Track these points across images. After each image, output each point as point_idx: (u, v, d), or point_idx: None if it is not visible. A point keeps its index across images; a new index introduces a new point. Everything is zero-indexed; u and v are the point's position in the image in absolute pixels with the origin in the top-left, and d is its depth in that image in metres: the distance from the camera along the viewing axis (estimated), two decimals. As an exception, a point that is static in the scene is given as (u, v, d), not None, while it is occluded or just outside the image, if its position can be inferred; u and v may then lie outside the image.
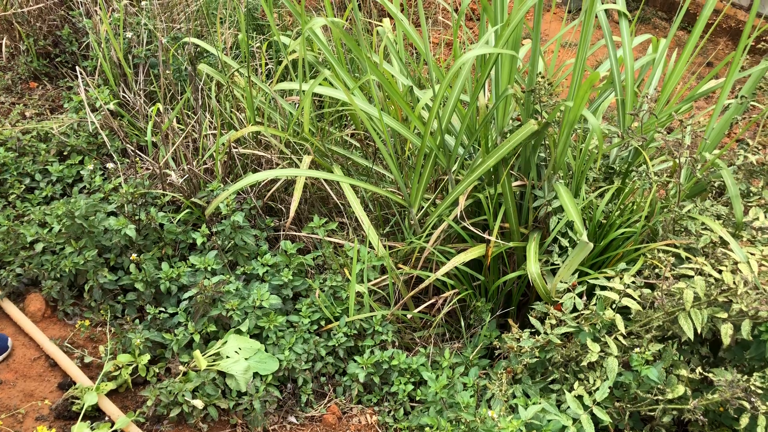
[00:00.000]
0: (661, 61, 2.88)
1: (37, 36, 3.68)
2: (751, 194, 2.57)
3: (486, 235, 2.47)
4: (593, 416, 2.04)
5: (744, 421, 1.95)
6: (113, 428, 2.09)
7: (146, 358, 2.29)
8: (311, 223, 2.74)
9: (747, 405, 1.95)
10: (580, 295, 2.25)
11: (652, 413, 2.12)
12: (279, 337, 2.38)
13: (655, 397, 2.10)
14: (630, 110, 2.60)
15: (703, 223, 2.36)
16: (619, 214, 2.53)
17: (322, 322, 2.50)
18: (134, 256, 2.50)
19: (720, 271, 2.14)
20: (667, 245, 2.37)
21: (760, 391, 1.95)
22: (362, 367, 2.36)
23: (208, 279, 2.39)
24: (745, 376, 1.98)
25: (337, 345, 2.42)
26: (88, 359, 2.37)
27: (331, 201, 2.98)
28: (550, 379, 2.27)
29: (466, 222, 2.52)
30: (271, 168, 2.93)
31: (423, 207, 2.73)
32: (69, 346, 2.44)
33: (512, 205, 2.52)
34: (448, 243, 2.68)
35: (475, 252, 2.48)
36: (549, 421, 2.06)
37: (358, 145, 3.15)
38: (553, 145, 2.47)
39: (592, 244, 2.16)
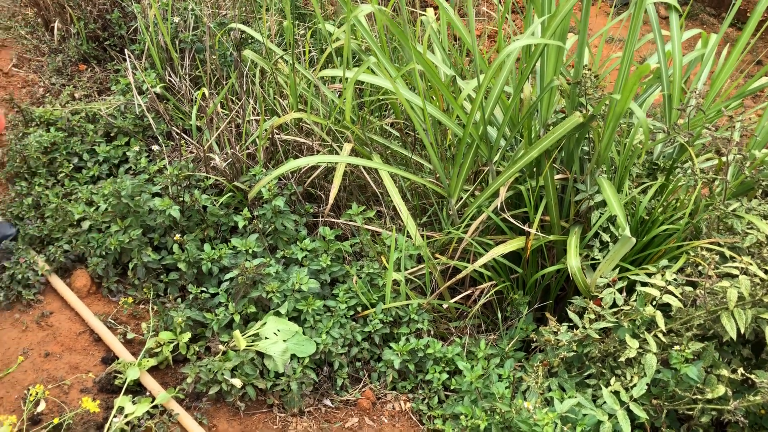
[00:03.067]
0: (710, 56, 2.82)
1: (87, 19, 3.76)
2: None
3: (526, 228, 2.46)
4: (629, 412, 2.02)
5: (786, 424, 1.92)
6: (154, 403, 2.15)
7: (187, 336, 2.34)
8: (349, 210, 2.76)
9: (789, 408, 1.92)
10: (620, 291, 2.23)
11: (690, 412, 2.09)
12: (316, 321, 2.41)
13: (694, 397, 2.07)
14: (677, 106, 2.56)
15: (749, 222, 2.32)
16: (662, 210, 2.49)
17: (359, 308, 2.52)
18: (178, 236, 2.55)
19: (766, 271, 2.10)
20: (711, 243, 2.33)
21: (803, 395, 1.91)
22: (397, 354, 2.38)
23: (249, 261, 2.43)
24: (789, 379, 1.95)
25: (373, 331, 2.44)
26: (130, 335, 2.43)
27: (369, 189, 2.99)
28: (586, 374, 2.26)
29: (506, 214, 2.51)
30: (312, 155, 2.95)
31: (462, 197, 2.72)
32: (112, 321, 2.50)
33: (554, 198, 2.50)
34: (487, 234, 2.68)
35: (514, 244, 2.47)
36: (584, 415, 2.06)
37: (397, 134, 3.16)
38: (597, 139, 2.44)
39: (634, 240, 2.13)
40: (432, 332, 2.54)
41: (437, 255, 2.69)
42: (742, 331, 2.03)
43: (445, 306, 2.65)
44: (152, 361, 2.30)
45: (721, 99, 2.86)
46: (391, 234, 2.57)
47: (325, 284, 2.57)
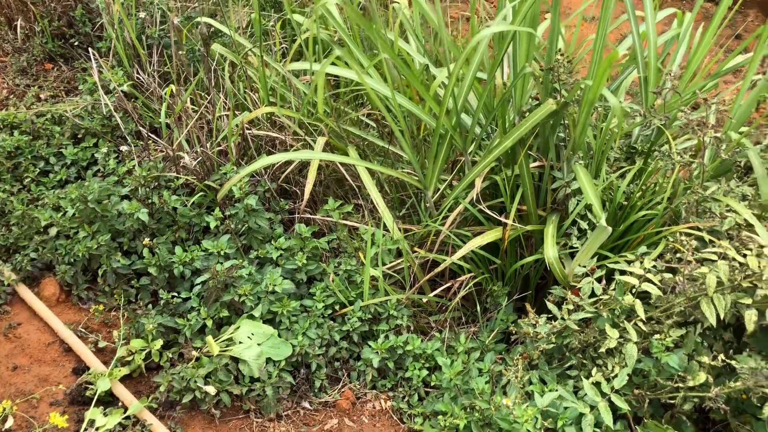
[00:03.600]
0: (686, 36, 2.77)
1: (51, 17, 3.66)
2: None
3: (503, 218, 2.41)
4: (611, 404, 1.99)
5: (767, 410, 1.89)
6: (126, 414, 2.10)
7: (159, 343, 2.29)
8: (326, 205, 2.71)
9: (770, 394, 1.89)
10: (599, 280, 2.20)
11: (673, 401, 2.07)
12: (292, 322, 2.36)
13: (676, 385, 2.05)
14: (653, 88, 2.51)
15: (727, 205, 2.28)
16: (641, 195, 2.45)
17: (337, 307, 2.47)
18: (147, 240, 2.49)
19: (744, 255, 2.07)
20: (689, 228, 2.29)
21: (784, 380, 1.89)
22: (377, 352, 2.34)
23: (221, 264, 2.38)
24: (769, 363, 1.92)
25: (351, 330, 2.39)
26: (102, 344, 2.38)
27: (346, 183, 2.93)
28: (567, 365, 2.22)
29: (483, 205, 2.47)
30: (286, 150, 2.89)
31: (439, 189, 2.67)
32: (83, 330, 2.45)
33: (530, 187, 2.45)
34: (465, 226, 2.63)
35: (491, 235, 2.43)
36: (566, 408, 2.02)
37: (374, 125, 3.10)
38: (572, 125, 2.40)
39: (610, 229, 2.09)
40: (412, 327, 2.50)
41: (416, 248, 2.65)
42: (722, 316, 2.00)
43: (424, 300, 2.61)
44: (124, 370, 2.25)
45: (700, 76, 2.81)
46: (369, 229, 2.52)
47: (301, 283, 2.52)
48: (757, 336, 2.13)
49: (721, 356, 2.00)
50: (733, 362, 1.98)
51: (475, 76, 2.43)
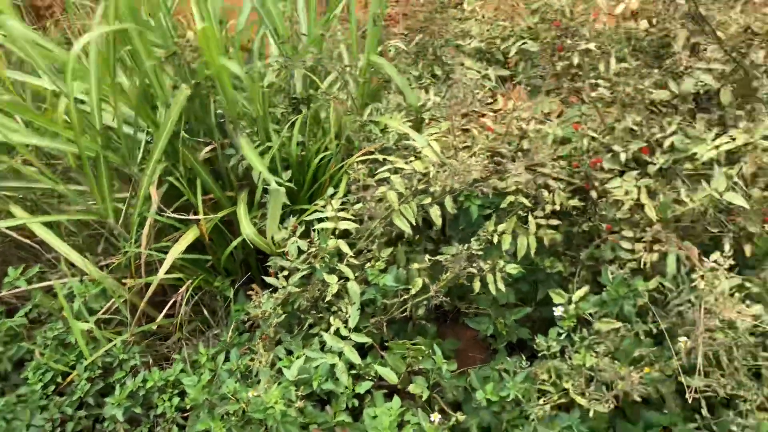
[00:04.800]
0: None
1: None
2: (422, 77, 2.67)
3: (191, 216, 2.32)
4: (356, 343, 2.04)
5: (477, 285, 2.07)
6: None
7: None
8: (7, 278, 2.39)
9: (474, 270, 2.07)
10: (305, 235, 2.21)
11: (406, 313, 2.18)
12: (10, 421, 2.07)
13: (402, 298, 2.15)
14: (283, 39, 2.54)
15: (384, 123, 2.41)
16: (314, 141, 2.50)
17: (59, 379, 2.22)
18: None
19: (410, 161, 2.20)
20: (364, 155, 2.39)
21: (480, 253, 2.07)
22: (118, 405, 2.14)
23: None
24: (466, 245, 2.09)
25: (83, 395, 2.16)
26: None
27: (25, 243, 2.61)
28: (307, 326, 2.23)
29: (168, 211, 2.34)
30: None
31: (122, 211, 2.48)
32: None
33: (206, 174, 2.38)
34: (164, 236, 2.49)
35: (189, 236, 2.33)
36: (317, 366, 2.03)
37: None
38: (223, 101, 2.34)
39: (283, 189, 2.10)
40: (151, 361, 2.34)
41: (126, 279, 2.45)
42: (414, 223, 2.13)
43: (155, 327, 2.45)
44: None
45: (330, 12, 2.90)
46: (59, 283, 2.28)
47: (8, 374, 2.21)
48: (451, 225, 2.33)
49: (427, 257, 2.14)
50: (438, 257, 2.13)
51: (100, 85, 2.25)
